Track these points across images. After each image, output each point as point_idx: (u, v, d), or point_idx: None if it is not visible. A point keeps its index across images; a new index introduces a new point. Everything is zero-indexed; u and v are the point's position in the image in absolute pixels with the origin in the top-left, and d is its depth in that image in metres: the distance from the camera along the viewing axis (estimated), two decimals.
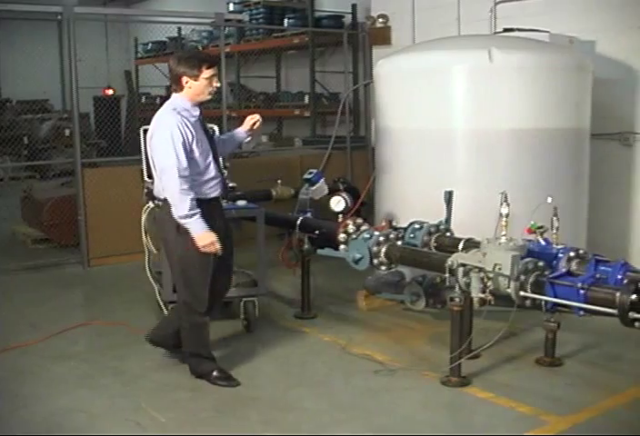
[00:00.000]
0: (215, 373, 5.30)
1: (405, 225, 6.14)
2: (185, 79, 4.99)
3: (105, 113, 13.31)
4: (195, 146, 4.97)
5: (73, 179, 9.19)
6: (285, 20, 13.11)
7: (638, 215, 8.14)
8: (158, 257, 6.29)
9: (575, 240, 6.26)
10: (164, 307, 6.39)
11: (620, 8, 7.96)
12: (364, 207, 7.63)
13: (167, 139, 4.90)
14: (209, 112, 13.35)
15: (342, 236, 6.07)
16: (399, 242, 5.92)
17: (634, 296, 4.24)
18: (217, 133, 5.65)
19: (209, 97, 5.11)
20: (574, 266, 5.08)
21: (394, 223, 6.21)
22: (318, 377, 5.43)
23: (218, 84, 5.11)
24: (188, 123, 4.96)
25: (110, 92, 17.20)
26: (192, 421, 4.78)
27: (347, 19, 12.72)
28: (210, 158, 5.11)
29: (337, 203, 6.81)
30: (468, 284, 4.97)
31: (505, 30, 7.89)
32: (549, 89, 6.75)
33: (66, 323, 6.64)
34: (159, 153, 4.97)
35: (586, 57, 7.31)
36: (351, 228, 6.11)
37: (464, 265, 5.00)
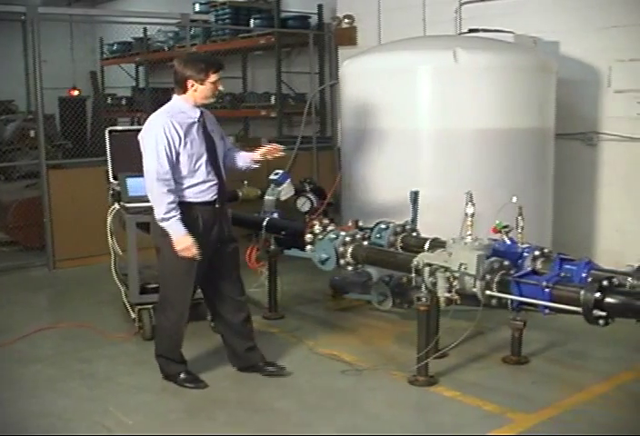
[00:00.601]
0: (182, 375, 5.30)
1: (371, 225, 6.15)
2: (190, 82, 4.99)
3: (71, 115, 13.14)
4: (181, 149, 4.94)
5: (38, 181, 9.11)
6: (252, 21, 13.06)
7: (602, 214, 8.22)
8: (124, 259, 6.26)
9: (540, 239, 6.31)
10: (130, 309, 6.37)
11: (583, 10, 8.03)
12: (330, 207, 7.63)
13: (151, 142, 4.92)
14: None
15: (308, 237, 6.07)
16: (365, 243, 5.92)
17: (597, 294, 4.27)
18: (228, 140, 5.58)
19: (213, 100, 5.15)
20: (539, 265, 5.13)
21: (360, 224, 6.22)
22: (286, 378, 5.42)
23: (222, 88, 5.11)
24: (177, 126, 4.93)
25: (76, 93, 17.04)
26: (160, 424, 4.76)
27: (314, 20, 12.70)
28: (201, 161, 5.03)
29: (304, 204, 6.83)
30: (434, 284, 4.99)
31: (470, 31, 7.94)
32: (514, 89, 6.79)
33: (32, 327, 6.58)
34: (144, 155, 4.99)
35: (550, 58, 7.38)
36: (317, 228, 6.11)
37: (430, 265, 5.02)
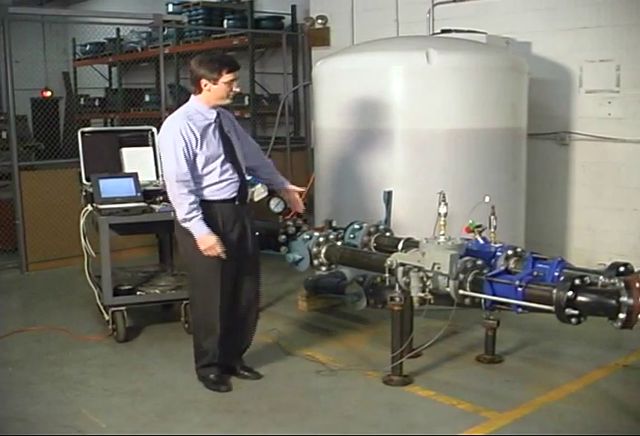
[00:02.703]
0: (211, 376, 5.28)
1: (344, 226, 6.16)
2: (204, 82, 4.97)
3: (44, 116, 13.05)
4: (198, 150, 4.95)
5: (9, 182, 9.04)
6: (225, 21, 13.01)
7: (575, 214, 8.28)
8: (97, 261, 6.23)
9: (513, 238, 6.35)
10: (103, 311, 6.34)
11: (554, 11, 8.09)
12: (303, 208, 7.62)
13: (169, 144, 4.95)
14: (149, 113, 13.32)
15: (282, 237, 6.07)
16: (339, 243, 5.93)
17: (570, 293, 4.30)
18: (252, 142, 5.58)
19: (229, 101, 5.10)
20: (512, 264, 5.14)
21: (333, 224, 6.23)
22: (259, 379, 5.40)
23: (237, 89, 5.08)
24: (194, 128, 4.94)
25: (48, 94, 16.94)
26: (133, 426, 4.73)
27: (287, 20, 12.69)
28: (219, 161, 5.03)
29: (277, 205, 6.78)
30: (408, 284, 5.00)
31: (443, 31, 7.96)
32: (486, 89, 6.82)
33: (3, 329, 6.53)
34: (163, 158, 5.08)
35: (522, 58, 7.41)
36: (291, 229, 6.11)
37: (403, 265, 5.03)
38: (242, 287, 5.33)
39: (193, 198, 4.92)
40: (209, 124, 5.04)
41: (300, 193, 5.80)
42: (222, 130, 5.11)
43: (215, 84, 4.96)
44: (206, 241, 4.92)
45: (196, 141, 4.94)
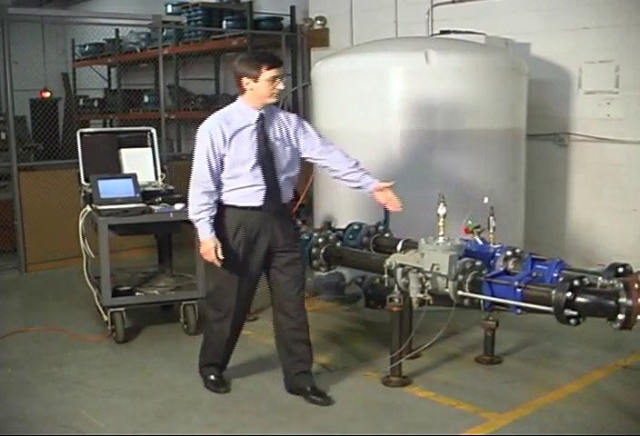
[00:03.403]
0: (211, 377, 5.26)
1: (343, 227, 6.16)
2: (245, 80, 4.79)
3: (42, 117, 13.06)
4: (226, 151, 4.79)
5: (8, 183, 9.04)
6: (224, 22, 13.01)
7: (574, 214, 8.28)
8: (96, 261, 6.23)
9: (511, 239, 6.34)
10: (102, 312, 6.34)
11: (553, 12, 8.10)
12: (302, 209, 7.62)
13: (198, 143, 4.85)
14: (148, 114, 13.32)
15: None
16: (338, 244, 5.94)
17: (569, 294, 4.30)
18: (322, 140, 5.20)
19: (274, 100, 4.88)
20: (510, 265, 5.13)
21: (332, 225, 6.23)
22: (258, 379, 5.40)
23: (282, 87, 4.84)
24: (225, 129, 4.78)
25: (47, 94, 16.92)
26: (132, 426, 4.73)
27: (286, 21, 12.69)
28: (248, 165, 4.81)
29: None
30: (407, 285, 5.00)
31: (442, 32, 7.97)
32: (485, 90, 6.83)
33: (3, 330, 6.53)
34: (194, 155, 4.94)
35: (521, 59, 7.42)
36: None
37: (402, 266, 5.03)
38: (280, 307, 5.11)
39: (205, 200, 4.80)
40: (247, 126, 4.84)
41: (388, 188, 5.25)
42: (262, 134, 4.87)
43: (255, 81, 4.77)
44: (205, 244, 4.80)
45: (224, 142, 4.78)
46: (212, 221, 4.82)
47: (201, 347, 5.34)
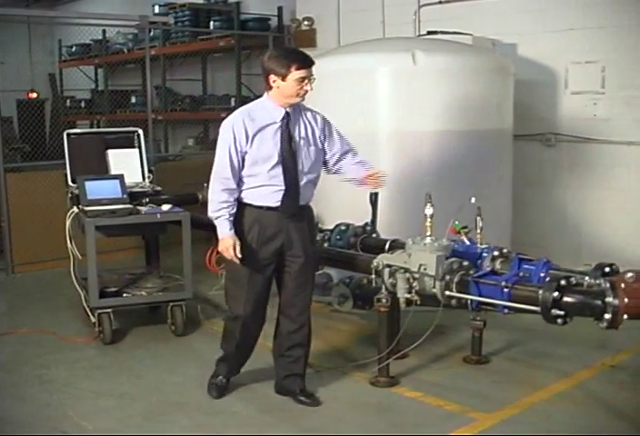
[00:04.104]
0: (218, 378, 5.19)
1: (331, 227, 6.16)
2: (272, 77, 4.66)
3: (29, 117, 13.03)
4: (248, 149, 4.68)
5: None
6: (211, 23, 13.01)
7: (561, 214, 8.31)
8: (84, 263, 6.22)
9: (499, 239, 6.34)
10: (90, 313, 6.32)
11: (539, 12, 8.14)
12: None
13: (220, 138, 4.74)
14: (135, 115, 13.30)
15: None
16: (326, 244, 5.94)
17: (556, 293, 4.31)
18: (343, 144, 5.11)
19: (299, 100, 4.74)
20: (498, 265, 5.14)
21: (320, 225, 6.23)
22: (245, 381, 5.38)
23: (309, 88, 4.70)
24: (248, 126, 4.66)
25: (34, 95, 16.89)
26: (120, 429, 4.71)
27: (273, 22, 12.70)
28: (269, 164, 4.69)
29: None
30: (394, 285, 5.01)
31: (429, 33, 7.98)
32: (472, 91, 6.85)
33: None
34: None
35: (508, 59, 7.45)
36: None
37: (389, 266, 5.04)
38: (282, 309, 5.04)
39: (226, 197, 4.69)
40: (271, 124, 4.71)
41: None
42: (287, 132, 4.74)
43: (283, 80, 4.63)
44: (225, 241, 4.68)
45: (247, 139, 4.66)
46: (231, 218, 4.71)
47: (221, 352, 5.23)
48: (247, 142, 4.67)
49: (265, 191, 4.75)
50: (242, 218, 4.78)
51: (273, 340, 5.20)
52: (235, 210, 4.74)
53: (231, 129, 4.68)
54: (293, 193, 4.79)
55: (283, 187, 4.75)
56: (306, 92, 4.70)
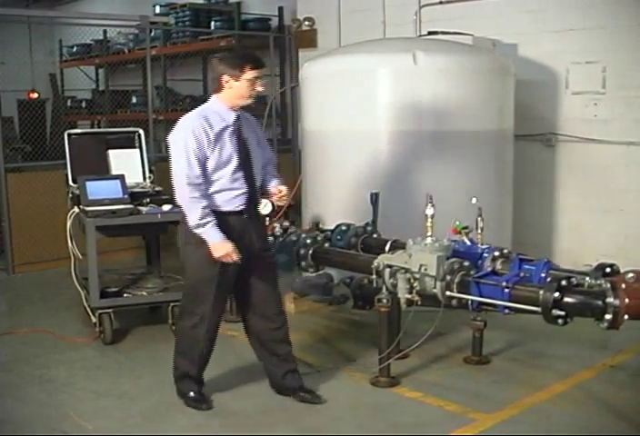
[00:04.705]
0: (191, 394, 5.03)
1: (331, 227, 6.16)
2: (225, 78, 4.65)
3: (30, 117, 13.04)
4: (210, 153, 4.64)
5: None
6: (212, 23, 13.02)
7: (561, 214, 8.31)
8: (84, 263, 6.22)
9: (499, 239, 6.36)
10: (90, 313, 6.32)
11: (540, 13, 8.13)
12: (291, 210, 7.62)
13: (180, 144, 4.63)
14: (136, 115, 13.30)
15: (269, 239, 6.06)
16: (326, 245, 5.94)
17: (556, 294, 4.31)
18: (269, 152, 5.16)
19: (250, 101, 4.76)
20: (498, 265, 5.14)
21: (320, 226, 6.23)
22: (245, 381, 5.39)
23: (261, 89, 4.75)
24: (208, 129, 4.64)
25: (35, 95, 16.88)
26: (120, 429, 4.71)
27: (274, 22, 12.71)
28: (230, 168, 4.70)
29: (264, 206, 6.77)
30: (395, 285, 5.01)
31: (430, 33, 7.98)
32: (472, 91, 6.84)
33: None
34: (172, 158, 4.69)
35: (509, 60, 7.44)
36: (278, 231, 6.12)
37: (390, 266, 5.03)
38: (257, 310, 5.01)
39: (205, 202, 4.61)
40: (226, 127, 4.72)
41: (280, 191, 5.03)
42: (240, 135, 4.78)
43: (236, 80, 4.65)
44: (221, 248, 4.62)
45: (209, 143, 4.62)
46: (216, 222, 4.65)
47: (174, 359, 5.11)
48: (209, 146, 4.65)
49: (228, 196, 4.75)
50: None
51: (252, 343, 5.19)
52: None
53: (192, 134, 4.62)
54: (253, 195, 4.84)
55: (244, 190, 4.77)
56: (258, 92, 4.77)
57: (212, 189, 4.71)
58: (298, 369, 5.21)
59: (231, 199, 4.75)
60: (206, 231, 4.64)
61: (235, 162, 4.72)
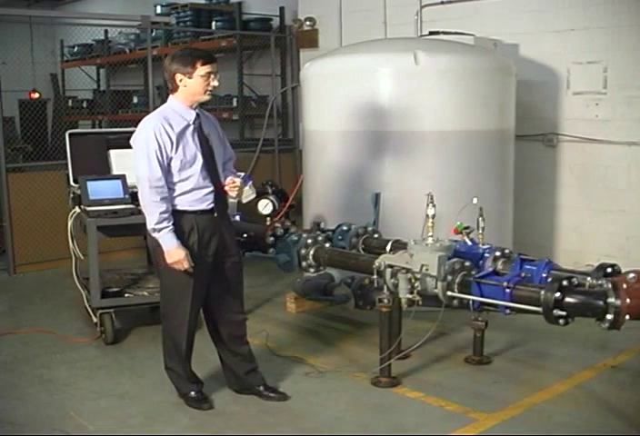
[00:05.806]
0: (191, 394, 5.04)
1: (332, 227, 6.16)
2: (178, 77, 4.63)
3: (31, 117, 13.04)
4: (173, 154, 4.61)
5: None
6: (213, 23, 13.03)
7: (563, 215, 8.30)
8: (85, 263, 6.22)
9: (500, 239, 6.36)
10: (91, 313, 6.32)
11: (541, 13, 8.12)
12: (292, 210, 7.64)
13: (142, 146, 4.61)
14: (137, 115, 13.29)
15: (270, 239, 6.07)
16: (327, 245, 5.93)
17: (557, 294, 4.30)
18: (230, 150, 5.13)
19: (207, 97, 4.74)
20: (499, 266, 5.15)
21: (322, 226, 6.23)
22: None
23: (216, 83, 4.70)
24: (169, 130, 4.61)
25: (36, 95, 16.89)
26: (121, 429, 4.71)
27: (275, 22, 12.71)
28: (196, 167, 4.69)
29: (265, 206, 6.81)
30: (396, 285, 5.01)
31: (431, 33, 7.97)
32: (474, 91, 6.84)
33: None
34: (135, 161, 4.67)
35: (510, 60, 7.43)
36: (279, 231, 6.12)
37: (391, 266, 5.03)
38: (222, 309, 5.03)
39: (165, 207, 4.58)
40: (187, 126, 4.70)
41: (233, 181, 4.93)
42: (201, 133, 4.77)
43: (190, 77, 4.62)
44: (174, 254, 4.61)
45: (172, 144, 4.61)
46: (173, 228, 4.64)
47: (164, 361, 5.13)
48: (172, 147, 4.62)
49: (198, 194, 4.74)
50: (180, 226, 4.70)
51: (215, 343, 5.19)
52: (172, 220, 4.67)
53: (153, 136, 4.60)
54: (220, 193, 4.84)
55: (213, 188, 4.78)
56: (214, 87, 4.73)
57: (181, 189, 4.71)
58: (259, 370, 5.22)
59: (201, 198, 4.75)
60: (162, 236, 4.63)
61: (200, 160, 4.73)
